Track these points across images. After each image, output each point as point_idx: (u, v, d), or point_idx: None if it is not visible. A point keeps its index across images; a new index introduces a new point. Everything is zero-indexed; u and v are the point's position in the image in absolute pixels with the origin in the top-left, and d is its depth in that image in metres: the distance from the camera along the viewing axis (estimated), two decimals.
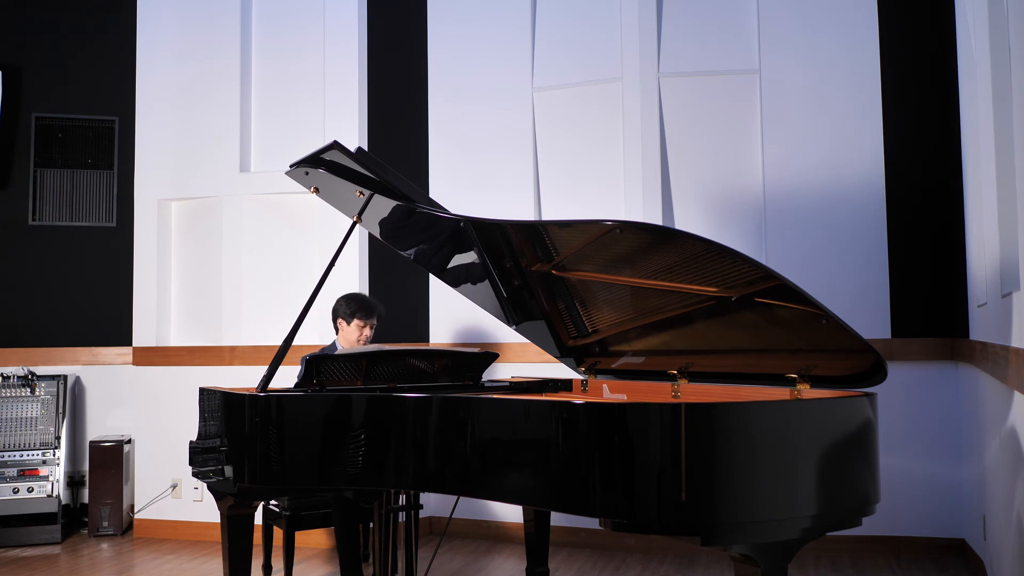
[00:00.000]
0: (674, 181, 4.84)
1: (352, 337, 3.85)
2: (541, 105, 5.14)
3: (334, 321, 3.92)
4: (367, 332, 3.87)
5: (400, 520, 3.27)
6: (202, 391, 3.11)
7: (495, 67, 5.23)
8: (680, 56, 4.85)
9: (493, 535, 4.99)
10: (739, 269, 2.33)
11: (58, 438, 5.05)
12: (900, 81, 4.59)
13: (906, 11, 4.61)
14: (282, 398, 2.79)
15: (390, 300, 5.12)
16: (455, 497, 2.66)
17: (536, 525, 3.52)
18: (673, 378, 2.87)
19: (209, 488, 3.05)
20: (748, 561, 2.12)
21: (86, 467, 5.18)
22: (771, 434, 2.12)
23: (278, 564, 3.92)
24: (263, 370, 2.98)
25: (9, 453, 4.95)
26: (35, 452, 5.00)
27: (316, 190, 3.26)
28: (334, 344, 3.95)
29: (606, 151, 4.97)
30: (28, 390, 5.06)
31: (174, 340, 5.32)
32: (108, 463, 5.07)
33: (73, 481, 5.25)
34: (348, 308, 3.87)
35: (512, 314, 3.31)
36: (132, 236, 5.35)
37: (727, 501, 2.07)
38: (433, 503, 5.05)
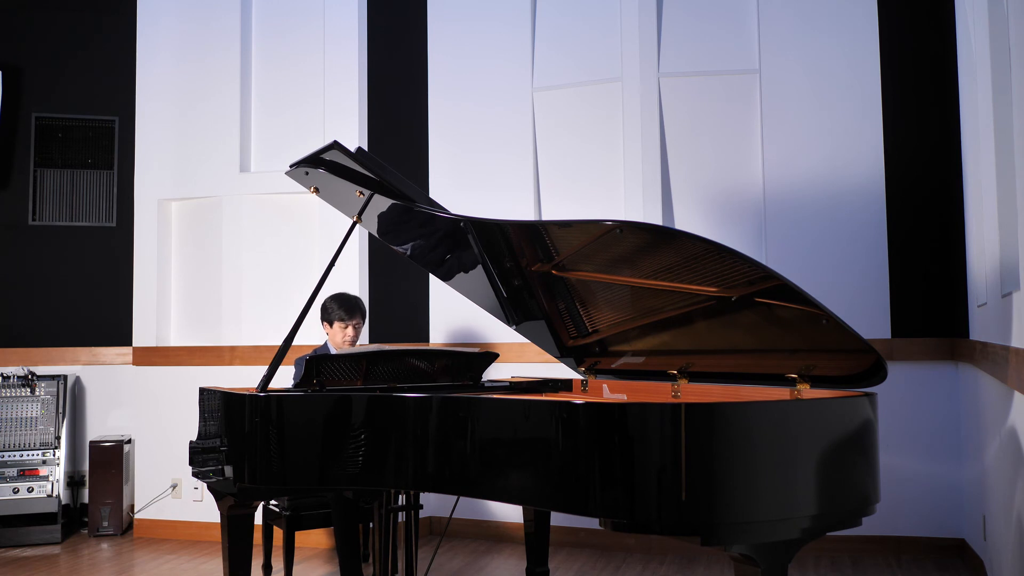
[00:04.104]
0: (674, 181, 4.84)
1: (337, 339, 3.89)
2: (541, 105, 5.14)
3: (322, 324, 3.96)
4: (350, 332, 3.88)
5: (400, 520, 3.27)
6: (202, 391, 3.11)
7: (495, 67, 5.23)
8: (680, 56, 4.85)
9: (493, 535, 4.99)
10: (739, 269, 2.33)
11: (58, 438, 5.05)
12: (900, 81, 4.59)
13: (906, 11, 4.60)
14: (282, 398, 2.79)
15: (390, 300, 5.13)
16: (455, 497, 2.66)
17: (536, 525, 3.52)
18: (673, 378, 2.87)
19: (209, 488, 3.05)
20: (748, 561, 2.12)
21: (86, 467, 5.18)
22: (771, 434, 2.12)
23: (278, 564, 3.92)
24: (263, 370, 2.98)
25: (9, 453, 4.95)
26: (35, 452, 5.00)
27: (316, 190, 3.26)
28: (325, 345, 3.96)
29: (606, 151, 4.97)
30: (28, 390, 5.06)
31: (174, 340, 5.32)
32: (108, 463, 5.07)
33: (73, 481, 5.25)
34: (329, 311, 3.90)
35: (512, 314, 3.31)
36: (132, 236, 5.35)
37: (727, 501, 2.07)
38: (433, 503, 5.05)
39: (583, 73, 5.04)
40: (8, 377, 5.06)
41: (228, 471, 2.87)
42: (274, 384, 2.94)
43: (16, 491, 4.90)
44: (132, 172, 5.37)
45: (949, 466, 4.40)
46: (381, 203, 3.12)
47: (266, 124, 5.25)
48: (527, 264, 3.02)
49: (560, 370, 3.63)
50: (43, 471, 4.98)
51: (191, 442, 2.99)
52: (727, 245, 2.30)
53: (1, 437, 4.97)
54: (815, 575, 4.13)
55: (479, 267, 3.17)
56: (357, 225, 3.25)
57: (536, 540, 3.52)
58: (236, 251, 5.14)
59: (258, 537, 3.79)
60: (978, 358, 3.73)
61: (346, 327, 3.87)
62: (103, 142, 5.50)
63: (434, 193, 5.21)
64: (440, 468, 2.59)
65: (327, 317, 3.91)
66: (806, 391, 2.42)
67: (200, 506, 5.07)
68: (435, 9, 5.42)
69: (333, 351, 3.82)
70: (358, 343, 3.97)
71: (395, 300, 5.19)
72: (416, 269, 5.05)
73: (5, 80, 5.33)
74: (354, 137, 5.00)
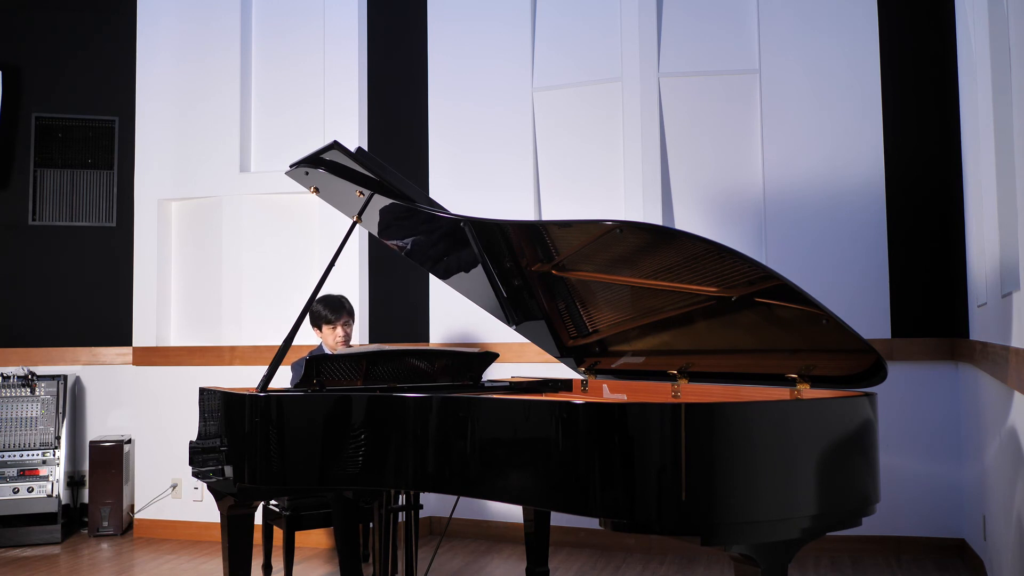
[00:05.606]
0: (674, 181, 4.84)
1: (330, 341, 3.86)
2: (541, 105, 5.14)
3: (313, 329, 3.91)
4: (340, 332, 3.85)
5: (400, 520, 3.27)
6: (202, 391, 3.11)
7: (495, 67, 5.23)
8: (680, 56, 4.85)
9: (493, 535, 4.99)
10: (739, 269, 2.33)
11: (58, 438, 5.05)
12: (900, 81, 4.59)
13: (906, 11, 4.61)
14: (282, 398, 2.79)
15: (390, 300, 5.13)
16: (455, 497, 2.66)
17: (536, 525, 3.52)
18: (673, 378, 2.87)
19: (209, 488, 3.05)
20: (748, 561, 2.12)
21: (86, 467, 5.18)
22: (771, 434, 2.12)
23: (278, 564, 3.92)
24: (263, 370, 2.98)
25: (9, 453, 4.95)
26: (35, 452, 5.00)
27: (316, 190, 3.26)
28: (320, 348, 3.93)
29: (606, 151, 4.97)
30: (28, 390, 5.06)
31: (174, 340, 5.32)
32: (108, 463, 5.07)
33: (73, 481, 5.25)
34: (316, 315, 3.86)
35: (512, 314, 3.31)
36: (132, 236, 5.35)
37: (727, 501, 2.07)
38: (433, 503, 5.05)
39: (583, 73, 5.04)
40: (8, 377, 5.06)
41: (228, 471, 2.87)
42: (273, 385, 2.94)
43: (16, 491, 4.90)
44: (132, 172, 5.37)
45: (949, 466, 4.40)
46: (381, 203, 3.12)
47: (266, 124, 5.25)
48: (527, 264, 3.02)
49: (560, 370, 3.63)
50: (43, 471, 4.98)
51: (191, 442, 2.99)
52: (727, 245, 2.30)
53: (1, 437, 4.97)
54: (815, 575, 4.13)
55: (479, 267, 3.17)
56: (357, 225, 3.25)
57: (536, 540, 3.52)
58: (236, 251, 5.14)
59: (258, 537, 3.79)
60: (978, 358, 3.73)
61: (335, 328, 3.84)
62: (103, 142, 5.50)
63: (434, 193, 5.21)
64: (440, 468, 2.59)
65: (316, 322, 3.86)
66: (806, 391, 2.42)
67: (200, 506, 5.06)
68: (435, 9, 5.42)
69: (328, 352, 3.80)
70: (355, 343, 3.96)
71: (395, 300, 5.19)
72: (416, 269, 5.05)
73: (5, 80, 5.33)
74: (354, 137, 5.00)
